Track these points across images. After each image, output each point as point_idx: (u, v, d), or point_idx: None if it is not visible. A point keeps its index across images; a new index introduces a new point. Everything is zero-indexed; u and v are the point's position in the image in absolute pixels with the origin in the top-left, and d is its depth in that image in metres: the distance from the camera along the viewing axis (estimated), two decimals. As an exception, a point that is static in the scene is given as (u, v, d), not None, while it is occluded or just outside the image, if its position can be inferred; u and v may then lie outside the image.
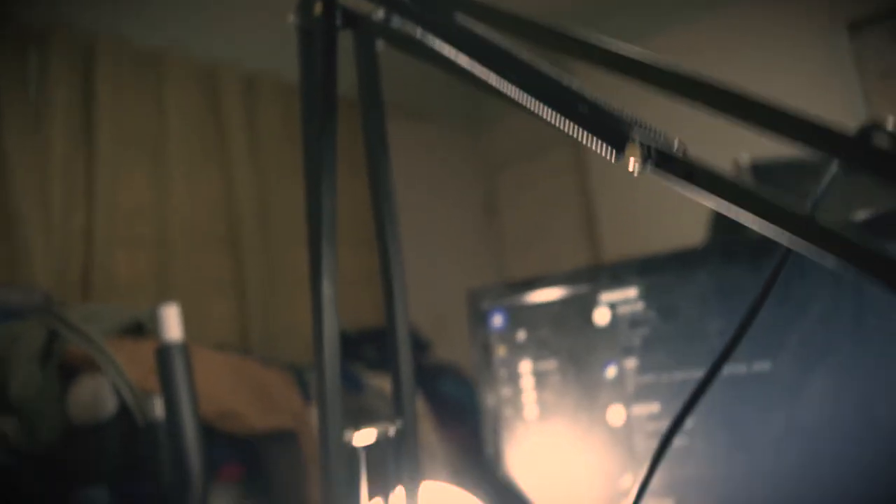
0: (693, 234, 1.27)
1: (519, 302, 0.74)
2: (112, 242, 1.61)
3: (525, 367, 0.73)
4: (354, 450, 0.54)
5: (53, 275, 1.52)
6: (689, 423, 0.67)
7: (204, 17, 1.66)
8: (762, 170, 1.43)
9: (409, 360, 0.54)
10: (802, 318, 0.65)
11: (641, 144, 0.37)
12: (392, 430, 0.56)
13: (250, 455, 1.03)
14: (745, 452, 0.66)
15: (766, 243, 0.41)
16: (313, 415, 1.09)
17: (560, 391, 0.72)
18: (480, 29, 0.43)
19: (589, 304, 0.71)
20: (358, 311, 1.69)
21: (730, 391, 0.66)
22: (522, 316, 0.73)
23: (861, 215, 0.79)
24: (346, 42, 0.55)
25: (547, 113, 0.40)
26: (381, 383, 1.36)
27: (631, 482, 0.69)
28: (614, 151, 0.38)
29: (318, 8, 0.54)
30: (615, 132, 0.38)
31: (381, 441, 0.55)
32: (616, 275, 0.70)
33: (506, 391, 0.74)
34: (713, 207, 0.36)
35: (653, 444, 0.68)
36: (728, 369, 0.66)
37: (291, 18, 0.56)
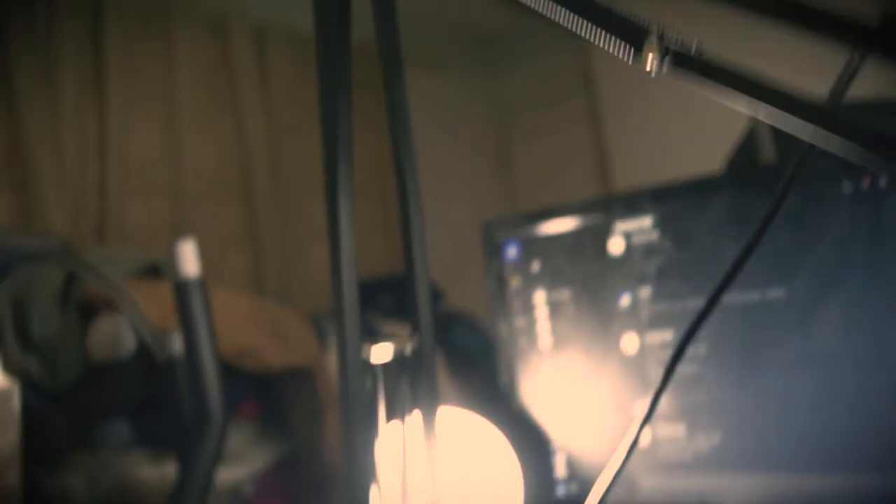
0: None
1: (533, 233, 0.74)
2: (126, 193, 1.62)
3: (539, 297, 0.73)
4: (372, 367, 0.55)
5: (68, 226, 1.53)
6: (702, 350, 0.68)
7: (212, -35, 1.64)
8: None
9: (425, 272, 0.54)
10: (818, 244, 0.65)
11: (659, 42, 0.37)
12: (409, 348, 0.57)
13: (267, 393, 1.05)
14: (757, 380, 0.66)
15: (781, 172, 0.41)
16: (331, 360, 1.10)
17: (574, 321, 0.72)
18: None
19: (603, 233, 0.71)
20: (372, 262, 1.69)
21: (743, 318, 0.67)
22: (537, 247, 0.73)
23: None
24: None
25: (562, 15, 0.40)
26: (396, 331, 1.37)
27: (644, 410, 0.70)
28: (632, 50, 0.37)
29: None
30: (633, 31, 0.37)
31: (398, 360, 0.56)
32: (631, 204, 0.70)
33: (520, 322, 0.74)
34: (732, 105, 0.36)
35: (666, 372, 0.69)
36: (742, 297, 0.67)
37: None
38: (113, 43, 1.63)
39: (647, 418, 0.57)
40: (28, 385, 0.96)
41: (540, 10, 0.40)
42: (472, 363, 1.65)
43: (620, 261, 0.70)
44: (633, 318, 0.70)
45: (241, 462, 1.02)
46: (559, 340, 0.72)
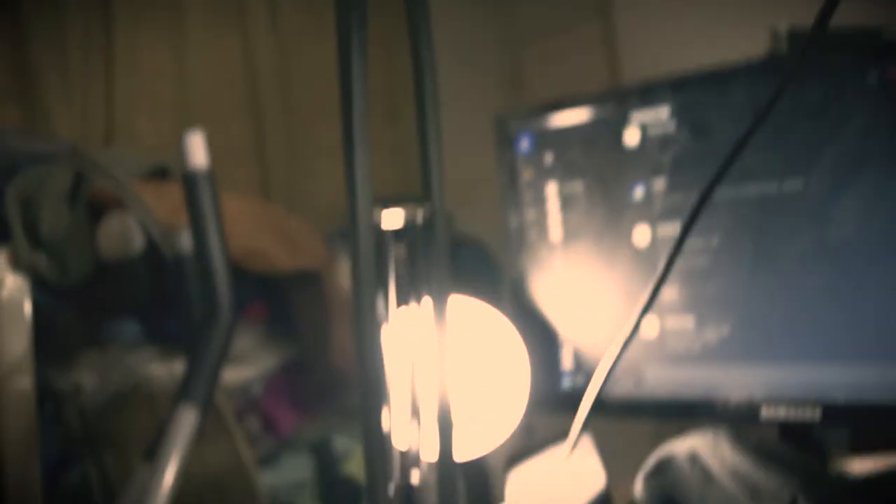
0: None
1: (547, 125, 0.73)
2: (133, 108, 1.61)
3: (551, 189, 0.73)
4: (382, 233, 0.54)
5: (76, 140, 1.52)
6: (714, 241, 0.67)
7: None
8: (800, 38, 1.38)
9: (438, 134, 0.53)
10: (838, 136, 0.64)
11: None
12: (420, 216, 0.56)
13: (276, 297, 1.05)
14: (769, 272, 0.66)
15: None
16: (343, 271, 1.10)
17: (586, 213, 0.71)
18: None
19: (618, 124, 0.69)
20: (382, 184, 1.68)
21: (759, 210, 0.66)
22: (550, 139, 0.72)
23: None
24: None
25: None
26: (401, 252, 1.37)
27: (653, 302, 0.70)
28: None
29: None
30: None
31: (409, 227, 0.55)
32: (647, 94, 0.68)
33: (531, 214, 0.73)
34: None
35: (678, 263, 0.68)
36: (758, 188, 0.66)
37: None
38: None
39: (647, 308, 0.57)
40: (38, 283, 0.97)
41: None
42: (479, 290, 1.65)
43: (635, 152, 0.69)
44: (646, 210, 0.69)
45: (250, 363, 1.03)
46: (570, 233, 0.72)
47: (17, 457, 0.94)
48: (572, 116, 0.72)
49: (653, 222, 0.69)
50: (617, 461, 0.66)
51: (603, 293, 0.71)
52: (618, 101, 0.70)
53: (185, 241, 0.93)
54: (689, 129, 0.67)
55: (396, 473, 0.59)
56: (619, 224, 0.70)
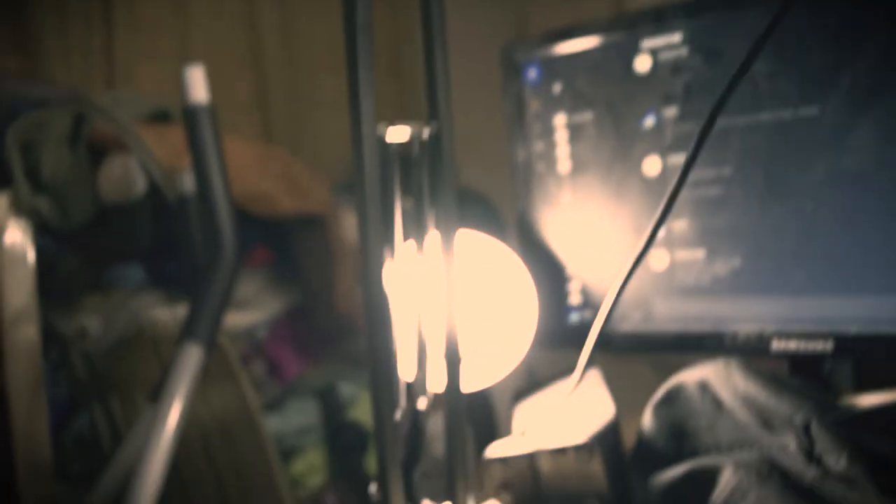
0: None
1: (555, 54, 0.71)
2: (134, 60, 1.58)
3: (559, 120, 0.71)
4: (387, 148, 0.53)
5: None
6: (727, 171, 0.66)
7: None
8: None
9: (444, 52, 0.51)
10: (855, 60, 0.62)
11: None
12: (426, 133, 0.55)
13: (280, 241, 1.04)
14: (782, 202, 0.65)
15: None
16: (348, 223, 1.09)
17: (595, 144, 0.70)
18: None
19: (629, 51, 0.68)
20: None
21: (773, 138, 0.64)
22: (558, 68, 0.70)
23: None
24: None
25: None
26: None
27: (662, 233, 0.68)
28: None
29: None
30: None
31: (415, 141, 0.54)
32: (660, 19, 0.66)
33: (538, 146, 0.72)
34: None
35: (689, 194, 0.67)
36: (773, 114, 0.64)
37: None
38: None
39: (653, 236, 0.56)
40: (40, 227, 0.96)
41: None
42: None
43: (646, 79, 0.67)
44: (656, 140, 0.68)
45: (255, 307, 1.02)
46: (579, 165, 0.70)
47: (23, 402, 0.94)
48: (581, 44, 0.70)
49: (664, 152, 0.68)
50: (625, 406, 0.65)
51: (612, 226, 0.70)
52: (628, 27, 0.68)
53: (188, 182, 0.92)
54: (701, 54, 0.65)
55: (403, 401, 0.59)
56: (629, 155, 0.69)
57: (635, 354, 0.94)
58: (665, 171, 0.68)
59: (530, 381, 0.73)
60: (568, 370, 0.62)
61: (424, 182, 0.57)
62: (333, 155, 1.51)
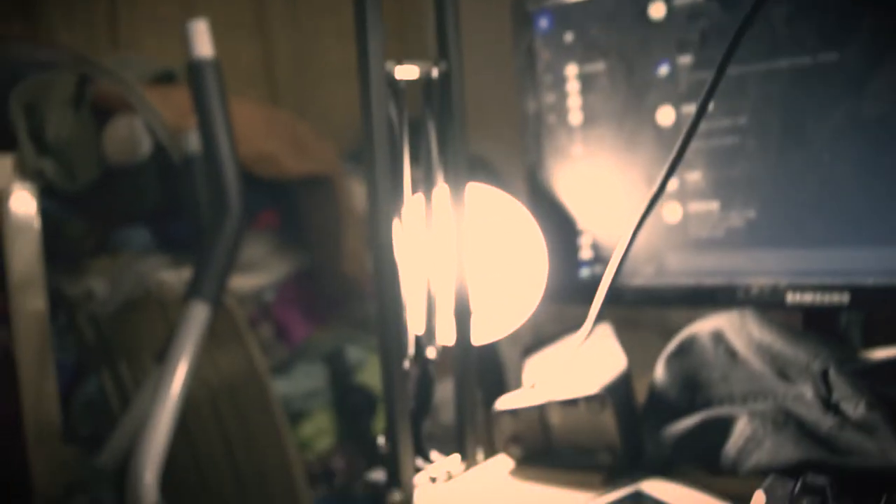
0: None
1: (567, 1, 0.69)
2: (137, 27, 1.57)
3: (571, 70, 0.69)
4: (396, 84, 0.51)
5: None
6: (742, 120, 0.64)
7: None
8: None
9: None
10: (876, 3, 0.60)
11: None
12: (435, 72, 0.54)
13: (286, 204, 1.04)
14: (799, 150, 0.63)
15: None
16: (355, 190, 1.08)
17: (607, 94, 0.68)
18: None
19: (643, -3, 0.66)
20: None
21: (790, 85, 0.62)
22: (570, 16, 0.69)
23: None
24: None
25: None
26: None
27: (675, 185, 0.67)
28: None
29: None
30: None
31: (425, 82, 0.52)
32: (675, -37, 0.64)
33: (549, 97, 0.70)
34: None
35: (703, 144, 0.65)
36: (790, 60, 0.62)
37: None
38: None
39: (661, 188, 0.55)
40: (45, 190, 0.95)
41: None
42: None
43: (661, 26, 0.66)
44: (671, 89, 0.66)
45: (262, 270, 1.01)
46: (590, 116, 0.69)
47: (31, 367, 0.93)
48: (594, -9, 0.68)
49: (678, 102, 0.66)
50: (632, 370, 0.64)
51: (624, 179, 0.69)
52: (643, -27, 0.66)
53: (193, 143, 0.91)
54: (718, 0, 0.63)
55: (412, 350, 0.58)
56: (642, 105, 0.67)
57: (646, 310, 0.93)
58: (679, 121, 0.66)
59: (540, 336, 0.72)
60: (578, 326, 0.61)
61: (432, 129, 0.56)
62: (342, 122, 1.50)
